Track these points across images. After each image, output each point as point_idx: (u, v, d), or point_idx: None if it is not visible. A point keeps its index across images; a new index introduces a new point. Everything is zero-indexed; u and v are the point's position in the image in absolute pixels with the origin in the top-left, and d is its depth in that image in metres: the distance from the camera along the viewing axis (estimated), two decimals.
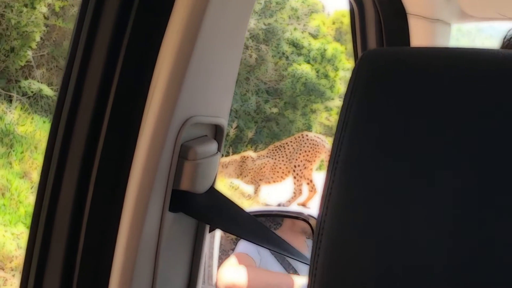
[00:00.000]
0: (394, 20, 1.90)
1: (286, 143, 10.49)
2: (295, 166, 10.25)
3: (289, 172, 10.38)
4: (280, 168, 10.42)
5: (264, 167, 10.48)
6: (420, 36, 1.90)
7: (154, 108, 1.22)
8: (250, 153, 10.82)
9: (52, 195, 1.26)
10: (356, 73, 0.75)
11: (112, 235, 1.26)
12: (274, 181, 10.61)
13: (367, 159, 0.71)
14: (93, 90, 1.24)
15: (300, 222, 2.73)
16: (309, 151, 10.16)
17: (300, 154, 10.22)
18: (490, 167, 0.64)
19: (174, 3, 1.22)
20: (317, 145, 10.17)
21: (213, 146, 1.37)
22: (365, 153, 0.71)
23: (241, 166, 10.56)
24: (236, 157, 10.77)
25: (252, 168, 10.49)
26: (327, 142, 10.25)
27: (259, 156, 10.64)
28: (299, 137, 10.44)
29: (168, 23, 1.23)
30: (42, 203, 1.27)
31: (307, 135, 10.42)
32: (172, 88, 1.22)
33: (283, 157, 10.43)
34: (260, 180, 10.54)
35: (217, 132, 1.41)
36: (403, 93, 0.70)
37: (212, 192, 1.38)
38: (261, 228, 1.45)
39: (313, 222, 2.61)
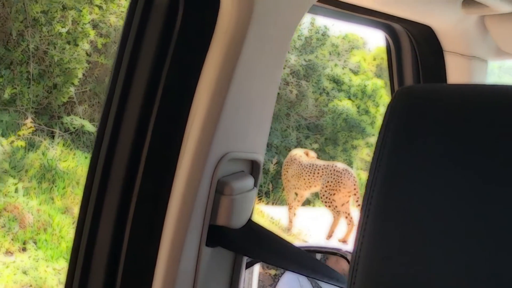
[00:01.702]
0: (431, 57, 1.91)
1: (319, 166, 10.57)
2: (321, 192, 10.36)
3: (315, 184, 10.48)
4: (307, 177, 10.51)
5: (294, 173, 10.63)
6: (456, 72, 1.89)
7: (192, 143, 1.24)
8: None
9: (91, 231, 1.29)
10: (391, 108, 0.76)
11: (149, 270, 1.27)
12: (298, 188, 10.68)
13: (402, 192, 0.71)
14: (132, 125, 1.27)
15: (341, 261, 2.70)
16: (332, 181, 10.23)
17: (326, 181, 10.32)
18: None
19: (211, 39, 1.25)
20: (341, 176, 10.23)
21: (250, 181, 1.38)
22: (400, 186, 0.72)
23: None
24: None
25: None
26: (353, 175, 10.30)
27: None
28: (328, 166, 10.52)
29: (205, 59, 1.25)
30: (80, 239, 1.29)
31: (335, 166, 10.48)
32: (209, 124, 1.23)
33: (311, 171, 10.52)
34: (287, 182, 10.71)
35: (253, 167, 1.42)
36: (438, 128, 0.71)
37: (250, 225, 1.38)
38: (307, 258, 1.44)
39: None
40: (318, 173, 10.43)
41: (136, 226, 1.28)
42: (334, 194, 10.19)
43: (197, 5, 1.25)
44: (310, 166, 10.55)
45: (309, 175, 10.50)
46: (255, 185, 1.41)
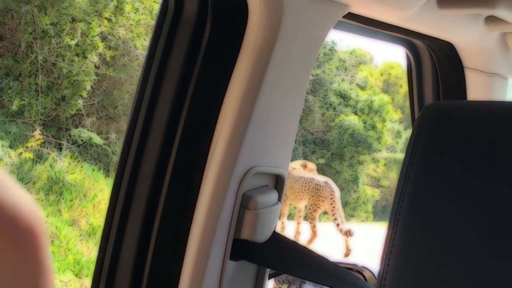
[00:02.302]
0: (451, 73, 1.91)
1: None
2: (306, 206, 10.41)
3: (303, 196, 10.49)
4: (296, 189, 10.53)
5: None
6: (476, 89, 1.89)
7: (218, 157, 1.25)
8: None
9: (116, 243, 1.29)
10: (418, 126, 0.76)
11: (174, 284, 1.27)
12: (291, 200, 10.71)
13: (431, 208, 0.71)
14: (158, 139, 1.27)
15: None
16: (314, 196, 10.29)
17: (309, 195, 10.36)
18: None
19: (239, 54, 1.25)
20: (320, 190, 10.27)
21: (274, 196, 1.38)
22: (429, 202, 0.72)
23: None
24: None
25: None
26: (331, 187, 10.35)
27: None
28: (311, 180, 10.53)
29: (233, 73, 1.25)
30: (105, 252, 1.30)
31: (317, 180, 10.49)
32: (235, 138, 1.24)
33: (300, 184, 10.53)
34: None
35: (277, 182, 1.42)
36: (466, 144, 0.71)
37: (275, 237, 1.38)
38: (332, 268, 1.43)
39: (367, 274, 2.57)
40: (304, 186, 10.46)
41: (161, 239, 1.28)
42: (315, 210, 10.24)
43: (225, 19, 1.25)
44: (299, 179, 10.57)
45: (298, 187, 10.54)
46: (279, 199, 1.41)
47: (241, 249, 1.31)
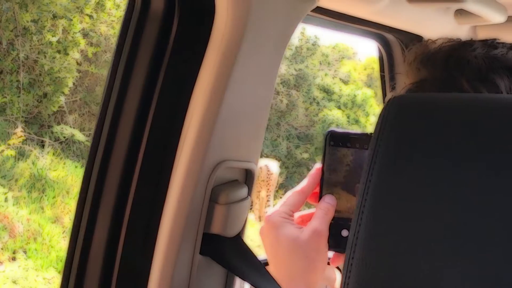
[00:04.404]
0: None
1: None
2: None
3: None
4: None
5: None
6: None
7: (186, 152, 1.25)
8: None
9: (85, 238, 1.29)
10: (382, 118, 0.76)
11: (144, 277, 1.28)
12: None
13: (396, 202, 0.71)
14: (127, 133, 1.27)
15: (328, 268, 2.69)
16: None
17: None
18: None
19: (206, 48, 1.25)
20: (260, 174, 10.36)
21: (244, 190, 1.38)
22: (392, 197, 0.72)
23: None
24: None
25: None
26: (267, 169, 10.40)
27: None
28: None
29: (200, 68, 1.25)
30: (75, 247, 1.30)
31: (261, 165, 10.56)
32: (204, 133, 1.24)
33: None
34: None
35: (247, 176, 1.42)
36: (431, 138, 0.71)
37: (239, 239, 1.38)
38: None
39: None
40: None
41: (130, 233, 1.28)
42: (257, 193, 10.28)
43: (193, 13, 1.25)
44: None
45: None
46: (248, 194, 1.41)
47: (211, 244, 1.32)
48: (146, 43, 1.26)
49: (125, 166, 1.28)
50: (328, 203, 1.09)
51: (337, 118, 16.90)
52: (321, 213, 1.08)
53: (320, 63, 17.70)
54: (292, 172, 16.70)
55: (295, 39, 16.97)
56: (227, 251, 1.34)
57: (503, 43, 1.12)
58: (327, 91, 17.56)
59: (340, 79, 18.04)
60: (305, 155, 16.77)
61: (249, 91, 1.32)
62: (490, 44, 1.11)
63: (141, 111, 1.27)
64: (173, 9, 1.25)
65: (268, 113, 1.42)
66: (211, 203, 1.30)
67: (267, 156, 15.78)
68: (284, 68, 16.49)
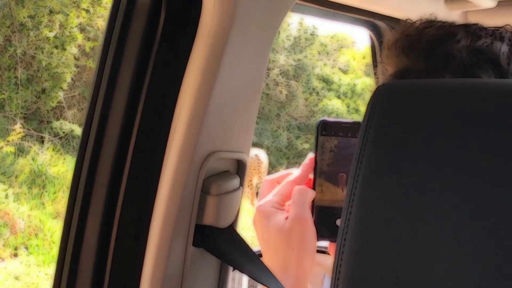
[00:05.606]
0: None
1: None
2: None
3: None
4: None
5: None
6: None
7: (177, 143, 1.24)
8: None
9: (77, 232, 1.29)
10: (371, 105, 0.75)
11: (137, 270, 1.28)
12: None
13: (385, 191, 0.71)
14: (117, 126, 1.27)
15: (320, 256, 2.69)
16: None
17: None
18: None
19: (195, 39, 1.25)
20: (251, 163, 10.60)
21: (235, 181, 1.38)
22: (381, 186, 0.72)
23: None
24: None
25: None
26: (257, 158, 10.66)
27: None
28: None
29: (189, 59, 1.25)
30: (67, 241, 1.30)
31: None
32: (194, 124, 1.23)
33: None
34: None
35: (239, 167, 1.42)
36: (420, 124, 0.71)
37: (232, 230, 1.38)
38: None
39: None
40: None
41: (122, 226, 1.28)
42: (248, 181, 10.48)
43: (179, 5, 1.25)
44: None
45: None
46: (240, 184, 1.41)
47: (203, 235, 1.31)
48: (133, 36, 1.26)
49: (115, 159, 1.27)
50: (301, 187, 1.09)
51: (337, 108, 16.91)
52: (297, 197, 1.08)
53: (319, 53, 17.69)
54: (293, 162, 16.71)
55: (293, 30, 16.97)
56: (220, 242, 1.34)
57: (485, 29, 1.11)
58: (326, 81, 17.55)
59: (339, 68, 18.03)
60: (306, 146, 16.77)
61: (239, 80, 1.32)
62: (473, 32, 1.10)
63: (130, 104, 1.26)
64: (160, 1, 1.24)
65: (259, 103, 1.42)
66: (203, 194, 1.29)
67: (268, 148, 15.81)
68: (283, 59, 16.49)
